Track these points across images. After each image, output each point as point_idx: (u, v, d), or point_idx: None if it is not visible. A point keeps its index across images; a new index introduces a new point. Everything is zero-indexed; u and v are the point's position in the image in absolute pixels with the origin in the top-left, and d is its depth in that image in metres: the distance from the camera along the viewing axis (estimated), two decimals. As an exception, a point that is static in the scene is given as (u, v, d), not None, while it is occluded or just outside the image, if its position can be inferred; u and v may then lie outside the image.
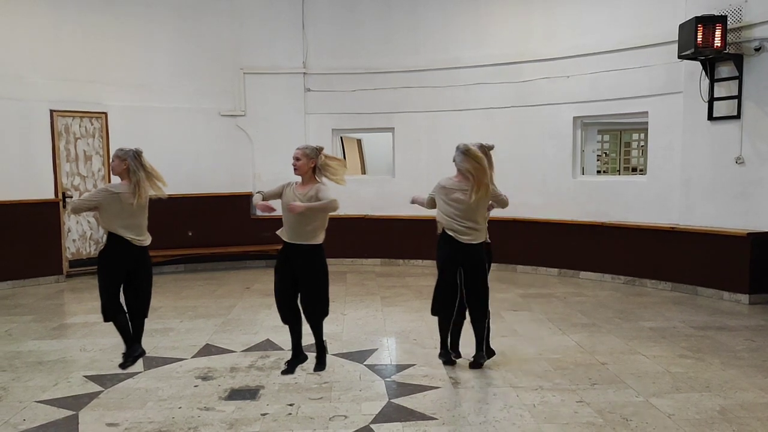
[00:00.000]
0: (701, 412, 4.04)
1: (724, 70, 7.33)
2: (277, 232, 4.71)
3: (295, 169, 4.65)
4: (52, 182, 8.76)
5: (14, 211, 8.41)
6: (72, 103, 8.87)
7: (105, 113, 9.15)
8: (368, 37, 10.05)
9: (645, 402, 4.22)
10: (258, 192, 4.86)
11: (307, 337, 4.77)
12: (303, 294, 4.67)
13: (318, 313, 4.71)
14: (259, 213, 4.78)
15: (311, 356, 4.84)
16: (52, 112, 8.71)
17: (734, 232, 7.20)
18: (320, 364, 4.85)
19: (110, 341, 5.58)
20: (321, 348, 4.85)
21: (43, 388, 4.61)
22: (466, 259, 4.92)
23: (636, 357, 5.19)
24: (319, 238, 4.64)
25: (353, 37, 10.08)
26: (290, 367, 4.80)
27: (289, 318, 4.73)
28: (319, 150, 4.68)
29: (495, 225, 9.43)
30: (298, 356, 4.82)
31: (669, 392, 4.40)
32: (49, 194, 8.73)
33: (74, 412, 4.15)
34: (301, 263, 4.60)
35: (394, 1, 9.99)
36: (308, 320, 4.71)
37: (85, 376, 4.84)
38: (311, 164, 4.64)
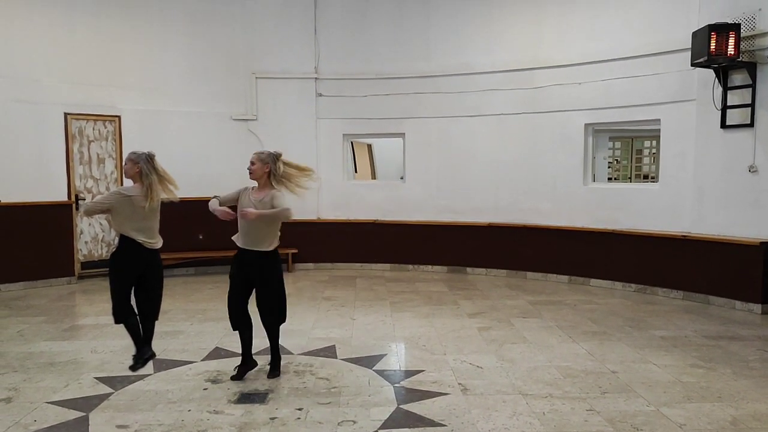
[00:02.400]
0: (713, 423, 4.00)
1: (738, 78, 7.28)
2: (233, 238, 4.77)
3: (250, 173, 4.75)
4: (66, 184, 8.84)
5: (27, 213, 8.49)
6: (86, 107, 8.96)
7: (118, 116, 9.23)
8: (380, 42, 10.08)
9: (656, 411, 4.19)
10: (214, 196, 4.87)
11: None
12: (259, 300, 4.76)
13: (274, 319, 4.81)
14: (218, 216, 4.78)
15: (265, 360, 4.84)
16: (66, 115, 8.80)
17: (747, 240, 7.14)
18: (274, 370, 4.89)
19: (121, 343, 5.61)
20: (276, 355, 4.92)
21: (54, 389, 4.64)
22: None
23: (647, 366, 5.15)
24: (273, 245, 4.72)
25: (365, 42, 10.12)
26: (239, 374, 4.85)
27: (239, 324, 4.82)
28: (276, 156, 4.71)
29: (504, 231, 9.53)
30: (247, 363, 4.87)
31: (680, 402, 4.37)
32: (62, 196, 8.81)
33: (85, 414, 4.18)
34: (254, 269, 4.69)
35: (405, 6, 10.02)
36: (264, 326, 4.81)
37: (96, 378, 4.87)
38: (266, 169, 4.70)
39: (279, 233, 4.80)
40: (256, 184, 4.78)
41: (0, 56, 8.32)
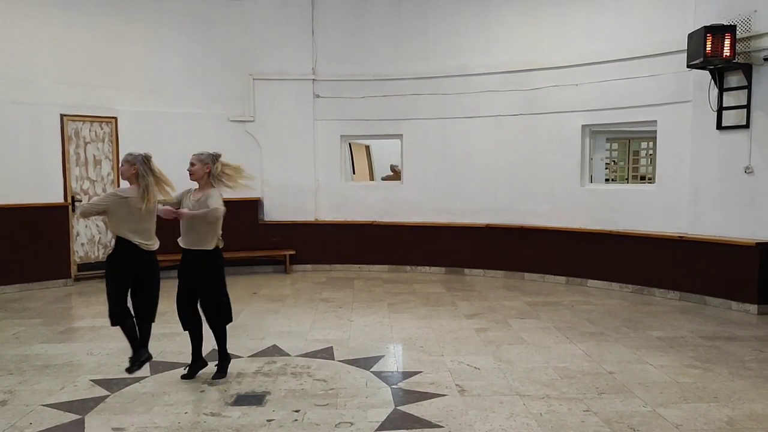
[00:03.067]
0: (709, 423, 4.01)
1: (733, 79, 7.30)
2: (177, 240, 4.85)
3: (190, 175, 4.82)
4: (62, 186, 8.82)
5: (24, 215, 8.47)
6: (82, 108, 8.94)
7: (115, 118, 9.22)
8: (378, 43, 10.08)
9: (652, 412, 4.20)
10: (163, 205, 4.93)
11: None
12: (202, 300, 4.84)
13: (218, 318, 4.87)
14: (161, 215, 4.87)
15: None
16: (62, 116, 8.78)
17: (743, 241, 7.15)
18: (220, 372, 4.92)
19: (117, 345, 5.60)
20: (223, 356, 4.95)
21: (49, 391, 4.63)
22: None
23: (644, 366, 5.16)
24: (210, 244, 4.77)
25: (363, 43, 10.12)
26: (190, 372, 4.91)
27: (188, 324, 4.89)
28: (216, 157, 4.80)
29: (502, 232, 9.54)
30: (197, 361, 4.93)
31: (677, 402, 4.37)
32: (58, 198, 8.79)
33: (80, 416, 4.16)
34: (194, 269, 4.79)
35: (403, 8, 10.02)
36: (210, 326, 4.87)
37: (92, 380, 4.86)
38: (206, 170, 4.77)
39: (220, 232, 4.85)
40: (197, 185, 4.88)
41: (-4, 57, 8.32)
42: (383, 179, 12.03)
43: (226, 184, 4.83)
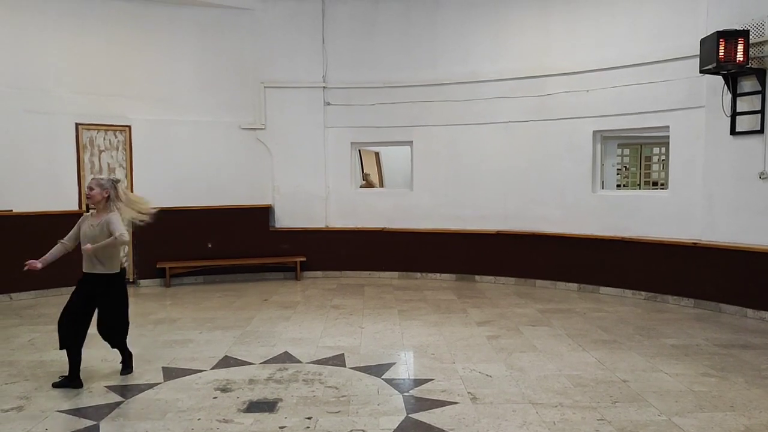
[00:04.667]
0: (725, 432, 3.97)
1: (747, 84, 7.25)
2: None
3: (88, 199, 4.95)
4: (76, 194, 8.90)
5: (39, 222, 8.53)
6: (97, 117, 9.04)
7: (129, 126, 9.30)
8: (387, 51, 10.12)
9: (668, 421, 4.16)
10: (60, 242, 5.12)
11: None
12: (106, 322, 5.03)
13: (122, 337, 5.14)
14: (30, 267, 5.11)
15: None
16: (77, 125, 8.88)
17: (758, 248, 7.08)
18: (127, 367, 5.22)
19: (131, 351, 5.63)
20: (128, 356, 5.25)
21: (65, 397, 4.66)
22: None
23: (658, 375, 5.12)
24: (116, 267, 5.02)
25: (373, 51, 10.16)
26: (62, 383, 4.90)
27: (70, 342, 4.88)
28: (115, 182, 4.92)
29: (512, 238, 9.51)
30: (74, 380, 4.87)
31: (692, 411, 4.33)
32: (73, 206, 8.87)
33: (95, 422, 4.19)
34: (101, 294, 4.96)
35: (413, 15, 10.05)
36: (113, 345, 5.16)
37: (106, 386, 4.89)
38: (105, 195, 4.89)
39: (120, 254, 5.14)
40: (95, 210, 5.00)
41: (11, 66, 8.41)
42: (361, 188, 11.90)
43: (123, 211, 4.91)
